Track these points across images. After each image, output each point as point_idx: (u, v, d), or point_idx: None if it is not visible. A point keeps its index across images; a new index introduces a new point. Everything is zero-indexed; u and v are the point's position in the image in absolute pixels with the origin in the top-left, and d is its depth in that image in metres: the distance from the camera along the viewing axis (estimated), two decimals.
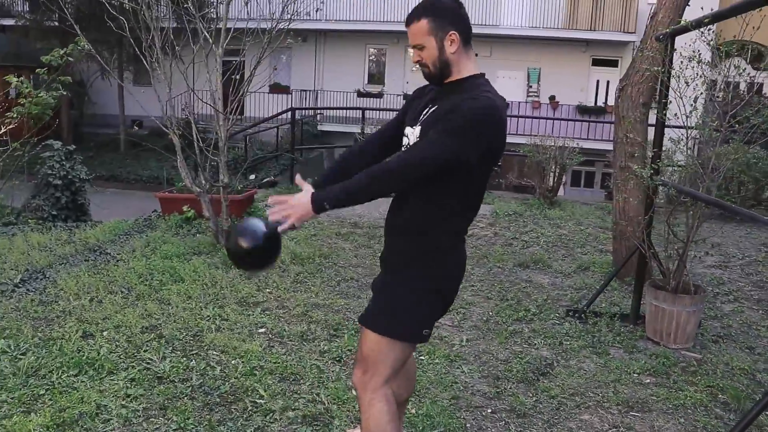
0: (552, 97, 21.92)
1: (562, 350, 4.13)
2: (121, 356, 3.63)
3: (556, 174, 9.38)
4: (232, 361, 3.66)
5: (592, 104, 22.12)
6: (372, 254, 5.99)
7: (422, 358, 3.83)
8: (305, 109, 17.40)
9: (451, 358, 3.87)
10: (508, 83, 22.43)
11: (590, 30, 21.17)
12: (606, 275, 5.48)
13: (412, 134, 2.25)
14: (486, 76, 2.25)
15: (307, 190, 2.17)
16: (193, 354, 3.73)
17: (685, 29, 4.16)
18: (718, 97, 4.58)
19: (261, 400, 3.24)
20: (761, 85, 5.05)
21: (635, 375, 3.81)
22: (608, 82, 22.51)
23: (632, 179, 5.60)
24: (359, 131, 10.25)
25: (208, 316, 4.30)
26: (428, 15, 2.13)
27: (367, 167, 2.20)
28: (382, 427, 2.28)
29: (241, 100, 5.59)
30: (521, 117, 20.05)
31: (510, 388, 3.55)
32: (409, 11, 2.19)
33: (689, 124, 4.25)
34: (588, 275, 5.83)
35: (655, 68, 4.34)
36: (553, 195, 9.56)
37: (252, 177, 9.15)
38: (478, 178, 2.20)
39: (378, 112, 16.99)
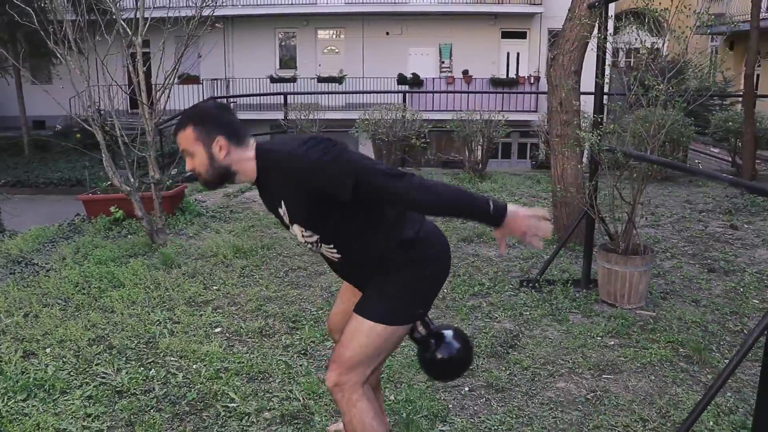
0: (465, 72, 22.21)
1: (523, 321, 4.15)
2: (72, 373, 3.36)
3: (484, 147, 9.49)
4: (194, 366, 3.46)
5: (504, 77, 22.57)
6: None
7: None
8: (227, 97, 16.84)
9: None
10: (421, 60, 22.58)
11: (498, 3, 21.53)
12: (547, 243, 5.56)
13: (296, 235, 2.21)
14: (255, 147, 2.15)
15: (513, 211, 2.02)
16: (150, 362, 3.50)
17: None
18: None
19: (233, 404, 3.08)
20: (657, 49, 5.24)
21: (599, 338, 3.88)
22: (518, 54, 23.04)
23: (567, 144, 5.71)
24: (282, 118, 9.98)
25: (158, 320, 4.06)
26: (191, 123, 2.09)
27: None
28: (368, 424, 2.18)
29: (167, 91, 5.29)
30: (437, 92, 20.25)
31: (482, 364, 3.54)
32: (178, 121, 2.17)
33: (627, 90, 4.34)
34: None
35: (596, 34, 4.38)
36: (482, 168, 9.68)
37: (173, 171, 8.76)
38: (366, 194, 2.02)
39: (294, 96, 16.71)
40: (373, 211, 2.14)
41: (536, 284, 4.75)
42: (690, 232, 6.41)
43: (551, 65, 5.68)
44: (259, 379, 3.34)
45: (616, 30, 4.69)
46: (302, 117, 8.97)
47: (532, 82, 22.27)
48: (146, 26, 5.42)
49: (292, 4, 20.98)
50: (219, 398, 3.13)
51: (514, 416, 3.01)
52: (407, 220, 2.20)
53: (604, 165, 4.53)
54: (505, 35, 22.82)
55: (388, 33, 21.96)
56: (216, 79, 21.44)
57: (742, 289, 4.81)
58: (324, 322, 3.99)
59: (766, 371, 2.58)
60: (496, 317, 4.21)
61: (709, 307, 4.43)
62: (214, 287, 4.69)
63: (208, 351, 3.61)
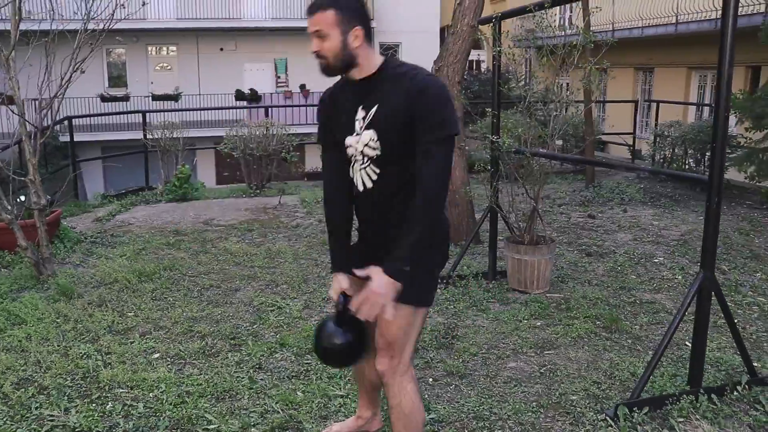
0: (303, 86, 22.39)
1: (452, 314, 4.41)
2: (10, 422, 3.02)
3: None
4: (150, 394, 3.27)
5: None
6: (213, 259, 5.69)
7: None
8: (84, 116, 15.35)
9: None
10: (257, 75, 22.41)
11: None
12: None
13: (359, 142, 2.21)
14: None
15: (376, 272, 2.08)
16: (98, 398, 3.24)
17: (512, 14, 4.67)
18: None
19: (213, 425, 2.97)
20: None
21: (526, 321, 4.24)
22: None
23: (456, 150, 6.10)
24: (144, 137, 9.43)
25: (84, 353, 3.75)
26: (335, 6, 2.12)
27: (350, 213, 2.36)
28: (416, 405, 2.31)
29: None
30: (275, 107, 20.21)
31: (435, 356, 3.72)
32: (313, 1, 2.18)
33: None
34: None
35: (498, 48, 4.77)
36: None
37: (22, 198, 8.01)
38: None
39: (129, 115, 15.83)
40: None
41: (449, 280, 5.03)
42: (558, 224, 7.12)
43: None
44: (226, 398, 3.24)
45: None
46: (165, 136, 8.59)
47: None
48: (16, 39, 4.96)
49: (120, 19, 19.83)
50: (195, 422, 3.00)
51: (487, 396, 3.23)
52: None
53: (507, 165, 4.94)
54: None
55: (222, 49, 21.53)
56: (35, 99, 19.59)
57: (620, 268, 5.48)
58: (259, 337, 3.98)
59: (698, 326, 3.05)
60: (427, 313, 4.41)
61: (601, 286, 5.00)
62: (130, 314, 4.41)
63: (159, 377, 3.42)
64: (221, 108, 18.18)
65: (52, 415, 3.07)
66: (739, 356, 3.28)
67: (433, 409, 3.10)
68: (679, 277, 5.23)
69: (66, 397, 3.25)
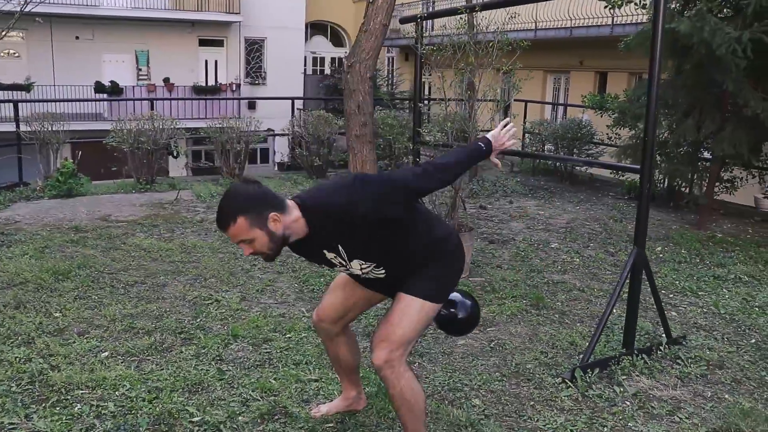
0: (167, 79, 21.52)
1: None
2: None
3: (243, 152, 9.61)
4: (116, 393, 3.16)
5: (204, 84, 22.44)
6: (127, 255, 5.46)
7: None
8: (34, 101, 13.58)
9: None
10: (117, 67, 21.24)
11: (196, 11, 21.31)
12: None
13: (350, 269, 2.37)
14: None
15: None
16: (59, 401, 3.08)
17: (438, 14, 4.95)
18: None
19: (197, 418, 2.95)
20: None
21: None
22: (216, 62, 23.11)
23: (367, 145, 6.33)
24: (17, 127, 8.66)
25: (21, 357, 3.51)
26: (241, 213, 2.10)
27: None
28: (417, 391, 2.43)
29: None
30: (138, 100, 19.22)
31: None
32: (218, 217, 2.15)
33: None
34: None
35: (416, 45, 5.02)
36: (240, 173, 9.78)
37: None
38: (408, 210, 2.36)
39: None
40: (417, 222, 2.36)
41: None
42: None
43: (348, 72, 6.22)
44: (200, 390, 3.22)
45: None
46: (45, 128, 7.96)
47: (234, 89, 22.57)
48: None
49: None
50: (177, 415, 2.96)
51: (451, 370, 3.47)
52: (433, 218, 2.50)
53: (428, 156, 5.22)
54: (203, 43, 22.71)
55: (78, 37, 20.10)
56: None
57: (523, 253, 5.97)
58: (208, 330, 3.95)
59: (632, 296, 3.49)
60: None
61: (512, 269, 5.44)
62: (57, 314, 4.15)
63: (120, 375, 3.30)
64: (80, 100, 17.02)
65: (12, 423, 2.88)
66: (648, 323, 3.80)
67: None
68: (577, 260, 5.81)
69: (20, 404, 3.06)
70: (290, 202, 2.21)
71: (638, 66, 12.54)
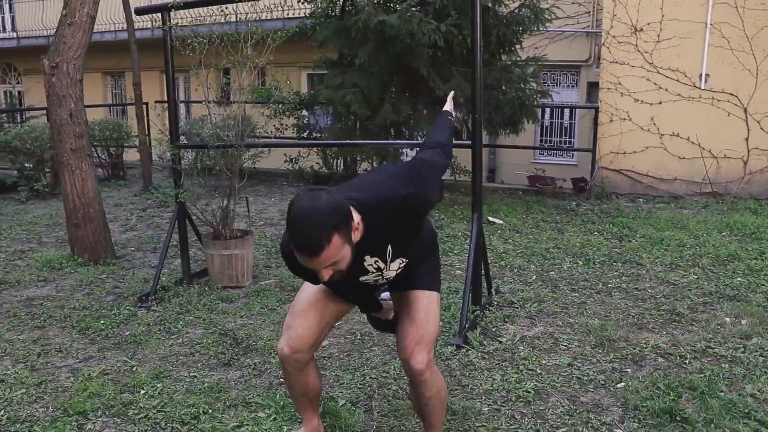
0: None
1: (213, 323, 4.10)
2: None
3: None
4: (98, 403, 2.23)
5: None
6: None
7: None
8: None
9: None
10: None
11: None
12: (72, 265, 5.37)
13: (383, 276, 2.16)
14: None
15: None
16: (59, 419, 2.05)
17: (186, 5, 4.52)
18: None
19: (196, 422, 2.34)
20: None
21: (279, 306, 4.32)
22: None
23: (85, 159, 5.43)
24: None
25: None
26: (335, 229, 1.78)
27: None
28: (445, 388, 2.38)
29: None
30: None
31: (263, 360, 3.52)
32: (307, 242, 1.76)
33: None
34: (71, 272, 5.29)
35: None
36: None
37: None
38: None
39: None
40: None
41: (155, 297, 4.52)
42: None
43: (53, 74, 5.17)
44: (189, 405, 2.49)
45: None
46: None
47: None
48: None
49: None
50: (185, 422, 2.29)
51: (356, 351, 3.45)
52: None
53: (195, 169, 4.78)
54: None
55: None
56: None
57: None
58: (125, 345, 3.12)
59: (476, 258, 3.89)
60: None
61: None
62: None
63: (94, 392, 2.38)
64: None
65: None
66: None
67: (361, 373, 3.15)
68: None
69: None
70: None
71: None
